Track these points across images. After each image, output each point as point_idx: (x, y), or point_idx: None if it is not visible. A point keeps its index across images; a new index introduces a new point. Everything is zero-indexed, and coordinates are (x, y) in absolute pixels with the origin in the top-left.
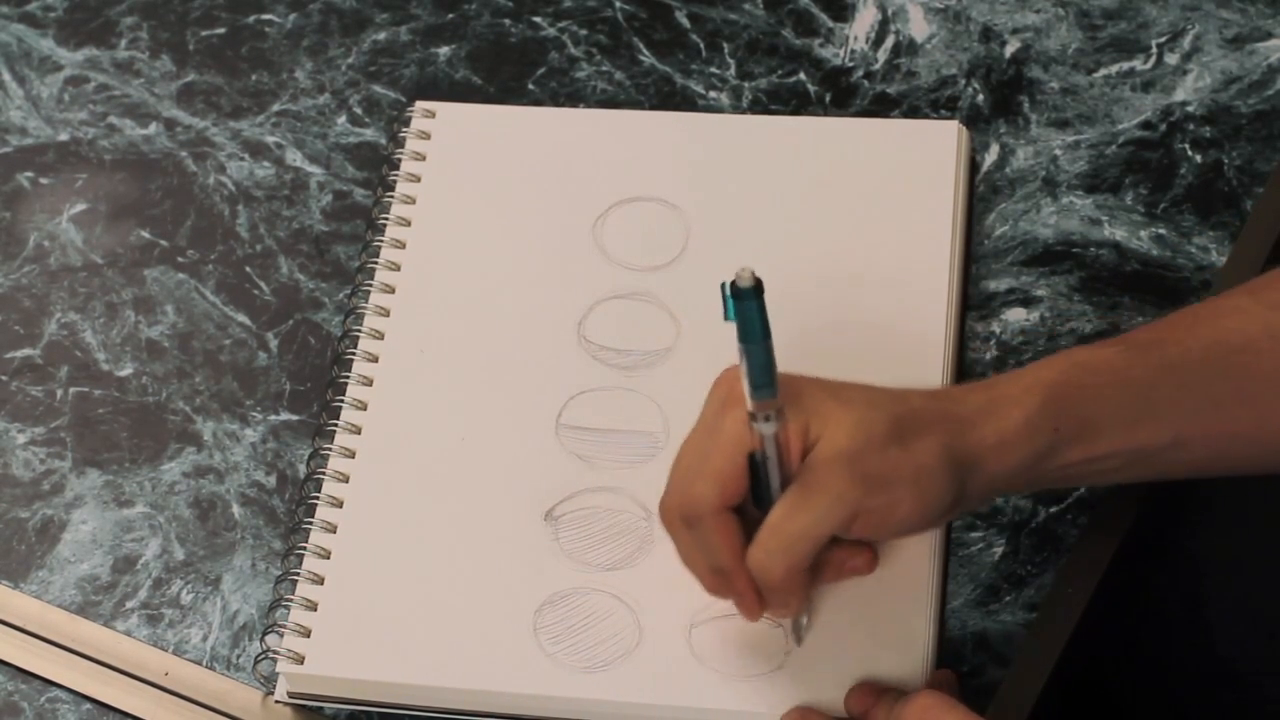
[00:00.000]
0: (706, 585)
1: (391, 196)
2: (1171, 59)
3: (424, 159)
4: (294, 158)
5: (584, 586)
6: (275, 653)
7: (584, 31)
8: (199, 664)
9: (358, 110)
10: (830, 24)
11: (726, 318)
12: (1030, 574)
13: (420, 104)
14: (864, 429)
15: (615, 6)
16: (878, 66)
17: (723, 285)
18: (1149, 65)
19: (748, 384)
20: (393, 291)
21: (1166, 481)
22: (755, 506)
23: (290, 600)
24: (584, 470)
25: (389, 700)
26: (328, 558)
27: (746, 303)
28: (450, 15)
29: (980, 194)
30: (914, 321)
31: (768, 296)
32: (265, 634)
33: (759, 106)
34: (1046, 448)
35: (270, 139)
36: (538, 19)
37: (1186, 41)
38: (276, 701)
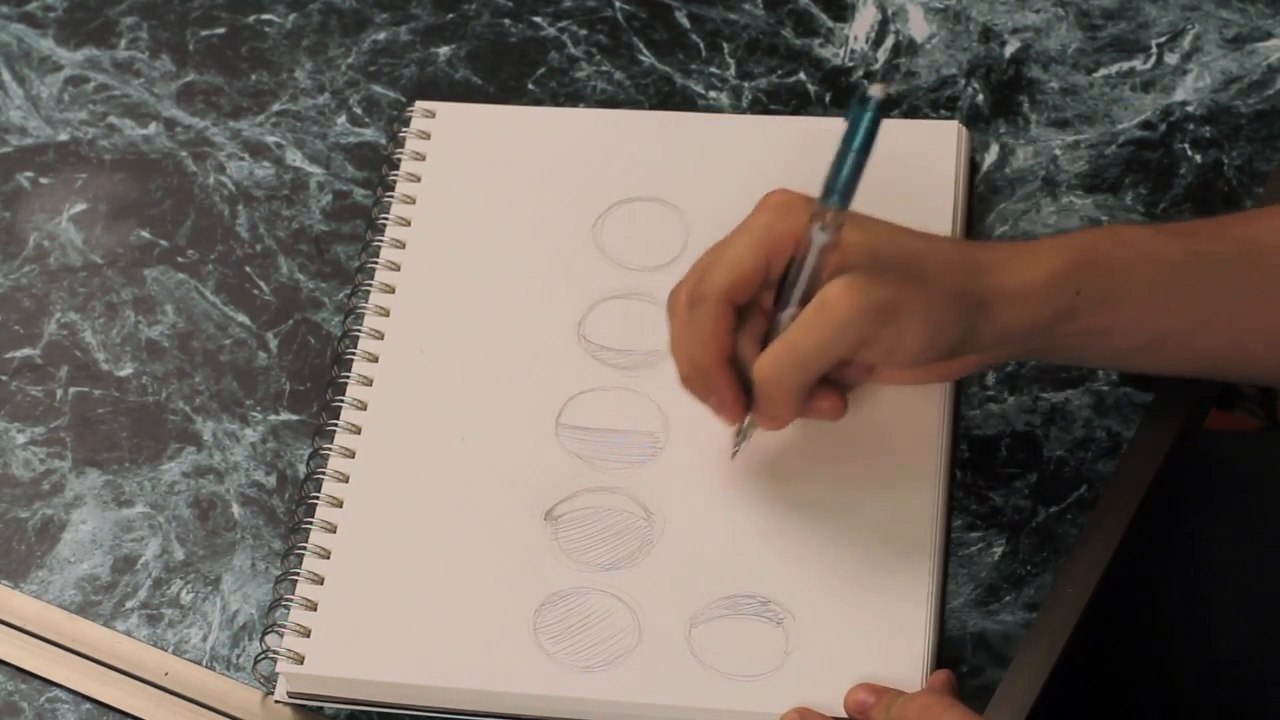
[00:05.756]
0: (682, 375)
1: (391, 196)
2: (1171, 59)
3: (424, 159)
4: (294, 158)
5: (584, 586)
6: (275, 653)
7: (584, 31)
8: (199, 664)
9: (358, 110)
10: (830, 24)
11: (847, 118)
12: (1030, 574)
13: (420, 104)
14: (884, 261)
15: (615, 6)
16: (878, 66)
17: (859, 84)
18: (1149, 65)
19: (827, 188)
20: (393, 291)
21: (1191, 389)
22: (775, 305)
23: (290, 600)
24: (584, 470)
25: (389, 700)
26: (328, 558)
27: (869, 112)
28: (450, 15)
29: (980, 194)
30: None
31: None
32: (265, 634)
33: (759, 106)
34: (1066, 308)
35: (270, 139)
36: (538, 19)
37: (1186, 41)
38: (276, 701)
